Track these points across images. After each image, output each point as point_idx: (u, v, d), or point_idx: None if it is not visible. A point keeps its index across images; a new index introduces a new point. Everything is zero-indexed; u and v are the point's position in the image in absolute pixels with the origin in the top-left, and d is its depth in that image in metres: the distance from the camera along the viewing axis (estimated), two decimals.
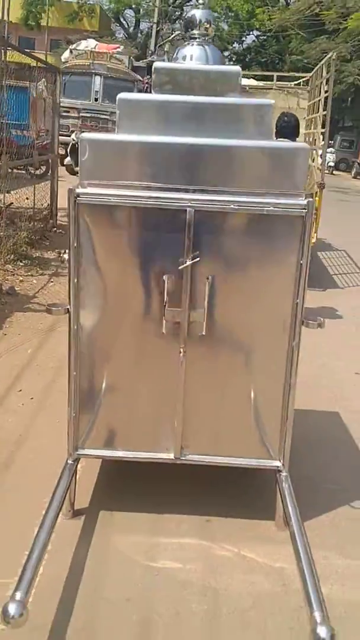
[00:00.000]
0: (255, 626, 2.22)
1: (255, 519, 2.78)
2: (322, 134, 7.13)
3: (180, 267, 2.45)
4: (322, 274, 7.90)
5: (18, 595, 1.97)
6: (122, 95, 2.52)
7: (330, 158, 25.22)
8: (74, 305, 2.52)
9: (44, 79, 8.53)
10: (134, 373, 2.63)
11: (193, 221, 2.41)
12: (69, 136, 14.09)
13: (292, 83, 9.76)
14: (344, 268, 8.62)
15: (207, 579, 2.43)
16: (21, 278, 6.48)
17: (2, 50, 6.48)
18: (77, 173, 8.99)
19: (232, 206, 2.40)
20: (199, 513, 2.79)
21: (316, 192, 6.65)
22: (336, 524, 2.82)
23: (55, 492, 2.54)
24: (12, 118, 7.56)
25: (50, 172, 9.62)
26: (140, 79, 19.14)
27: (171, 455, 2.69)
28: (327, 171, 11.61)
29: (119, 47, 19.97)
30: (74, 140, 14.52)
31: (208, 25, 2.68)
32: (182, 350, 2.55)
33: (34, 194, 8.25)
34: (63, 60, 18.41)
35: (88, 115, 17.29)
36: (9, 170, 6.91)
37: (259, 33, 36.09)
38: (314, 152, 7.61)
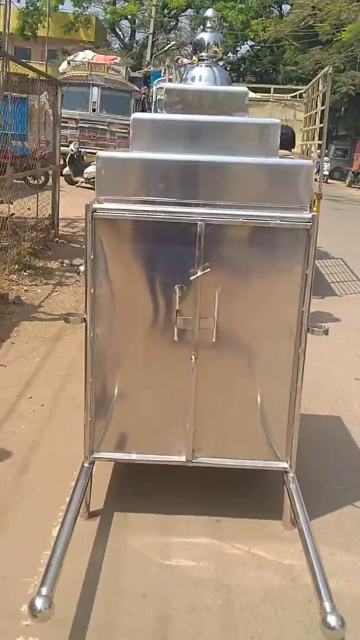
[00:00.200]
0: (266, 619, 2.33)
1: (264, 519, 2.89)
2: (319, 145, 7.28)
3: (191, 278, 2.58)
4: (320, 282, 8.04)
5: (44, 591, 2.08)
6: (136, 115, 2.66)
7: (325, 167, 25.45)
8: (91, 314, 2.64)
9: (45, 92, 8.69)
10: (147, 379, 2.75)
11: (203, 234, 2.54)
12: (68, 146, 14.28)
13: (289, 95, 9.94)
14: (341, 276, 8.76)
15: (220, 575, 2.55)
16: (26, 288, 6.59)
17: (2, 62, 6.63)
18: (76, 183, 9.10)
19: (240, 220, 2.53)
20: (209, 514, 2.90)
21: (313, 202, 6.80)
22: (341, 522, 2.94)
23: (73, 493, 2.65)
24: (11, 129, 7.69)
25: (49, 182, 9.75)
26: (137, 89, 19.36)
27: (183, 458, 2.80)
28: (322, 180, 11.77)
29: (116, 59, 20.21)
30: (72, 150, 14.73)
31: (216, 48, 2.82)
32: (193, 356, 2.67)
33: (37, 204, 8.38)
34: (61, 71, 18.63)
35: (86, 125, 17.51)
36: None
37: (253, 43, 36.43)
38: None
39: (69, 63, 18.62)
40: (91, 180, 13.55)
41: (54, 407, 3.97)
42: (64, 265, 7.75)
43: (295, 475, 2.79)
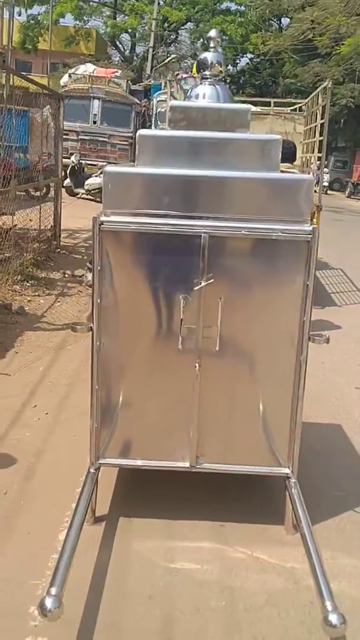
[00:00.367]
0: (269, 620, 2.39)
1: (266, 524, 2.95)
2: (319, 158, 7.40)
3: (195, 288, 2.66)
4: (321, 293, 8.12)
5: (53, 590, 2.14)
6: (142, 131, 2.74)
7: (325, 178, 25.66)
8: (97, 323, 2.72)
9: (48, 106, 8.82)
10: (152, 386, 2.83)
11: (207, 246, 2.63)
12: (69, 158, 14.43)
13: (289, 108, 10.09)
14: (341, 286, 8.85)
15: (224, 578, 2.61)
16: (29, 298, 6.67)
17: (5, 76, 6.76)
18: (77, 194, 9.21)
19: (243, 232, 2.62)
20: (212, 518, 2.97)
21: (314, 213, 6.91)
22: (342, 527, 3.01)
23: (79, 498, 2.71)
24: (12, 141, 7.80)
25: (51, 193, 9.86)
26: (138, 102, 19.54)
27: (187, 464, 2.87)
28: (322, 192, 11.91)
29: (116, 72, 20.41)
30: (73, 162, 14.88)
31: (219, 67, 2.92)
32: (197, 364, 2.75)
33: (40, 215, 8.49)
34: (62, 84, 18.80)
35: (87, 138, 17.69)
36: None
37: (252, 56, 36.81)
38: (311, 174, 7.88)
39: (70, 76, 18.82)
40: (92, 191, 13.70)
41: (58, 415, 4.03)
42: (66, 275, 7.84)
43: (297, 481, 2.86)
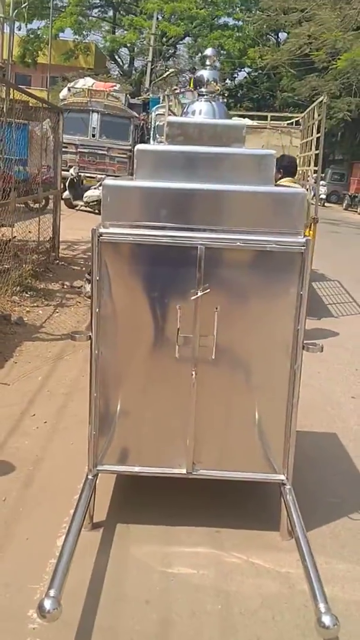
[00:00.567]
0: (264, 623, 2.44)
1: (261, 530, 3.00)
2: (315, 171, 7.50)
3: (192, 298, 2.73)
4: (317, 304, 8.19)
5: (52, 592, 2.19)
6: (140, 146, 2.83)
7: (322, 191, 25.88)
8: (96, 332, 2.79)
9: (47, 119, 8.94)
10: (149, 394, 2.89)
11: (203, 257, 2.70)
12: (67, 171, 14.55)
13: (285, 122, 10.22)
14: (337, 298, 8.93)
15: (219, 583, 2.65)
16: (28, 309, 6.73)
17: (5, 89, 6.87)
18: (76, 206, 9.28)
19: (238, 243, 2.69)
20: (209, 524, 3.02)
21: (310, 225, 7.00)
22: (336, 533, 3.06)
23: (77, 504, 2.77)
24: (12, 154, 7.90)
25: (50, 205, 9.95)
26: (137, 115, 19.72)
27: (183, 471, 2.93)
28: (319, 204, 12.05)
29: (115, 85, 20.64)
30: (72, 175, 15.00)
31: (215, 84, 3.01)
32: (193, 372, 2.81)
33: (39, 227, 8.57)
34: (61, 98, 19.00)
35: (86, 150, 17.82)
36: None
37: (250, 70, 37.17)
38: (307, 187, 7.99)
39: (69, 90, 19.02)
40: (90, 204, 13.81)
41: (56, 424, 4.08)
42: (65, 287, 7.90)
43: (292, 487, 2.91)
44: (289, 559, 2.78)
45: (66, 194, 14.21)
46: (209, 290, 2.72)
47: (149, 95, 25.12)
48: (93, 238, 2.68)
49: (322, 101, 7.13)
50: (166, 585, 2.62)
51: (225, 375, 2.84)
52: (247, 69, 37.83)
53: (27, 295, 7.14)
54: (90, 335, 2.80)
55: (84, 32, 34.51)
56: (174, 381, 2.84)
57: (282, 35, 33.79)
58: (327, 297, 8.92)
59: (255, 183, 2.75)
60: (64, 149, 10.96)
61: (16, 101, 7.29)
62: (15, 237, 7.92)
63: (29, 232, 8.49)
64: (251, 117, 10.56)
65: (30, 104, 8.23)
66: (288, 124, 10.19)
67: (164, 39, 35.57)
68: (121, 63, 40.20)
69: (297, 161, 8.86)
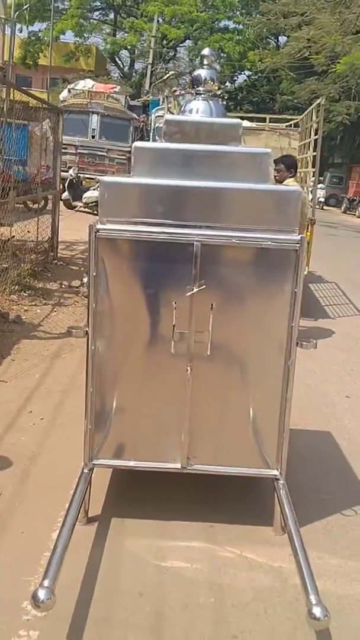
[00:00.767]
0: (256, 616, 2.46)
1: (255, 525, 3.03)
2: (313, 173, 7.55)
3: (187, 294, 2.76)
4: (314, 305, 8.24)
5: (46, 583, 2.21)
6: (137, 143, 2.86)
7: (321, 194, 25.95)
8: (92, 328, 2.81)
9: (47, 120, 8.97)
10: (145, 389, 2.91)
11: (199, 253, 2.73)
12: (67, 172, 14.58)
13: (284, 124, 10.27)
14: (334, 299, 8.97)
15: (213, 576, 2.68)
16: (26, 307, 6.76)
17: (5, 90, 6.91)
18: (75, 207, 9.33)
19: (234, 240, 2.72)
20: (203, 519, 3.04)
21: (307, 226, 7.04)
22: (329, 529, 3.08)
23: (73, 498, 2.79)
24: (12, 154, 7.93)
25: (49, 206, 9.98)
26: (136, 117, 19.76)
27: (178, 465, 2.95)
28: (317, 207, 12.10)
29: (115, 87, 20.65)
30: (71, 175, 15.03)
31: (212, 83, 3.04)
32: (189, 368, 2.83)
33: (38, 227, 8.60)
34: (61, 99, 19.02)
35: (85, 152, 17.86)
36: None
37: (250, 73, 37.26)
38: (305, 189, 8.03)
39: (69, 91, 19.04)
40: (90, 204, 13.83)
41: (53, 421, 4.11)
42: (63, 286, 7.93)
43: (286, 483, 2.94)
44: (281, 553, 2.81)
45: (65, 194, 14.25)
46: (204, 286, 2.75)
47: (148, 97, 25.14)
48: (90, 234, 2.70)
49: (320, 104, 7.17)
50: (160, 579, 2.65)
51: (220, 371, 2.87)
52: (247, 72, 37.95)
53: (25, 294, 7.17)
54: (87, 331, 2.83)
55: (84, 34, 34.61)
56: (169, 377, 2.86)
57: (282, 39, 33.90)
58: (324, 299, 8.96)
59: (252, 181, 2.78)
60: (63, 150, 10.99)
61: (16, 101, 7.33)
62: (14, 236, 7.95)
63: (28, 232, 8.52)
64: (250, 119, 10.60)
65: (30, 105, 8.27)
66: (287, 126, 10.23)
67: (165, 42, 35.65)
68: (121, 65, 40.30)
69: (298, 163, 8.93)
